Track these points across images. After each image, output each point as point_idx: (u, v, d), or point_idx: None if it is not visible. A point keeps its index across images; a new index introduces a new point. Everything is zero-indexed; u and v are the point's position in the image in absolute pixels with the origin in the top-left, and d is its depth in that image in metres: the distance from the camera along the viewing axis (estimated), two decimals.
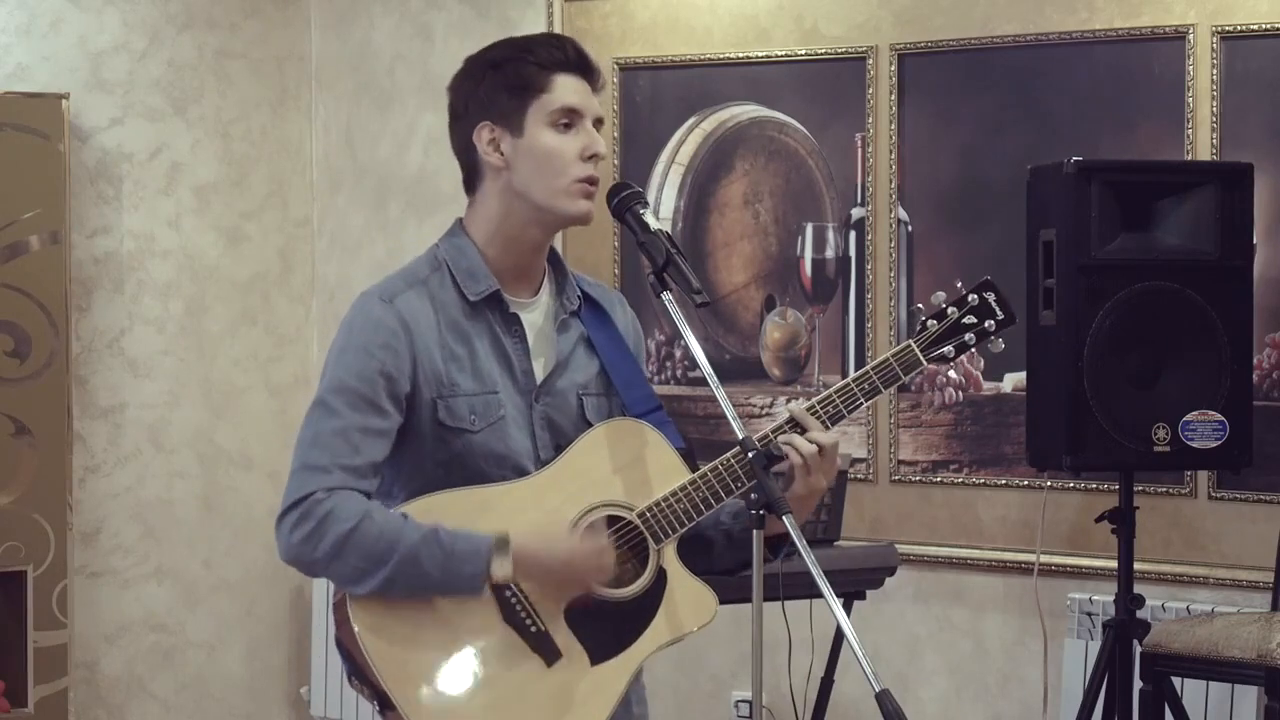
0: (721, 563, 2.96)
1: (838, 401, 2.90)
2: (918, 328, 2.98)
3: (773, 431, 2.87)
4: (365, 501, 2.77)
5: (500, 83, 2.86)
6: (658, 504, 2.84)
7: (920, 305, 3.04)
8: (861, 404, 2.91)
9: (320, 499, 2.75)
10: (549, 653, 2.78)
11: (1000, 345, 3.02)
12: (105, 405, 5.90)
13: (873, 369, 2.93)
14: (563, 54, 2.88)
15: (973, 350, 3.00)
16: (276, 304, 6.28)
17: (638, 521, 2.84)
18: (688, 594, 2.85)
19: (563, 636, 2.79)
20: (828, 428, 2.88)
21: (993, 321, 2.98)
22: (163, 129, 6.00)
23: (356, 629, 2.74)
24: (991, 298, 2.98)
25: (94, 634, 5.87)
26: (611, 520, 2.85)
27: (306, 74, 6.35)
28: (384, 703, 2.76)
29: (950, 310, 2.97)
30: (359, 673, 2.77)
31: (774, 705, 5.16)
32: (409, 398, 2.82)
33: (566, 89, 2.86)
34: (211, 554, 6.12)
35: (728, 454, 2.86)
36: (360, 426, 2.78)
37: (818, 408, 2.89)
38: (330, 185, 6.35)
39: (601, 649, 2.81)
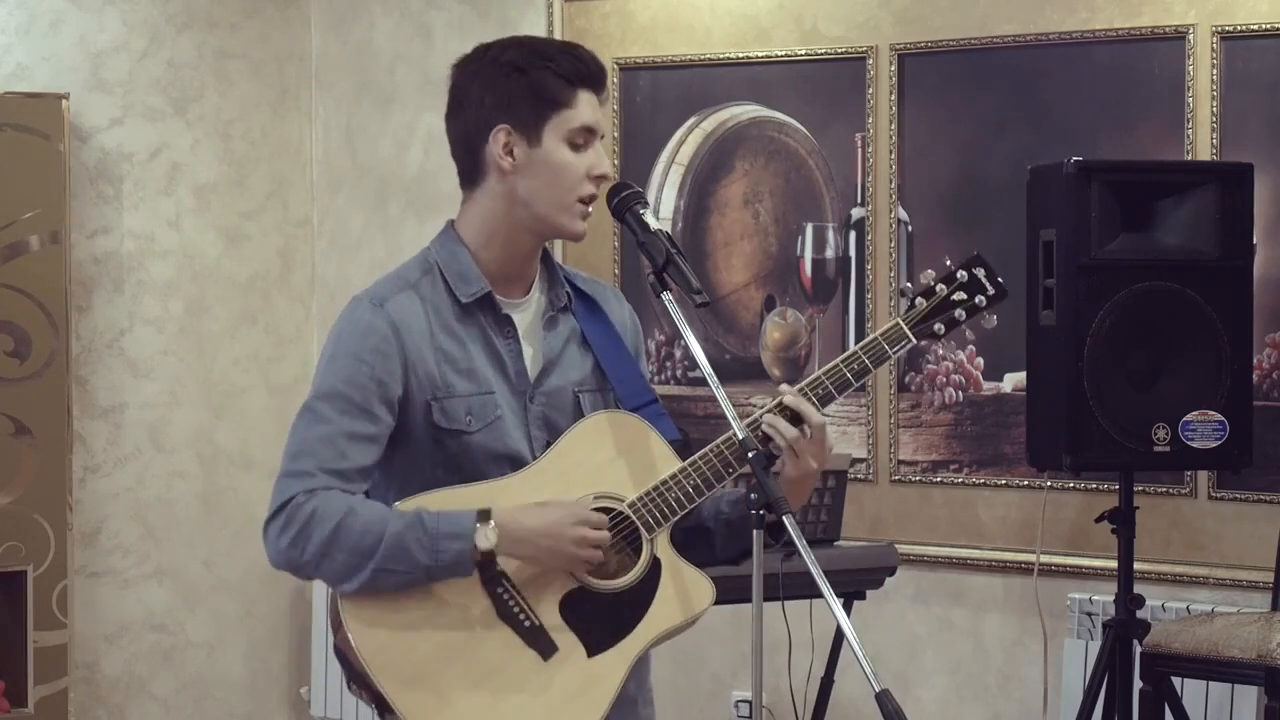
0: (725, 553, 2.95)
1: (827, 383, 2.89)
2: (905, 306, 2.96)
3: (760, 415, 2.86)
4: (348, 498, 2.76)
5: (524, 89, 2.84)
6: (648, 493, 2.84)
7: (909, 284, 3.00)
8: (852, 384, 2.90)
9: (301, 502, 2.75)
10: (545, 647, 2.78)
11: (993, 320, 2.99)
12: (105, 405, 5.90)
13: (861, 348, 2.92)
14: (585, 68, 2.87)
15: (964, 326, 2.97)
16: (276, 304, 6.28)
17: (629, 512, 2.84)
18: (683, 582, 2.84)
19: (558, 630, 2.79)
20: (818, 409, 2.87)
21: (984, 297, 2.96)
22: (163, 129, 6.00)
23: (350, 632, 2.74)
24: (981, 273, 2.96)
25: (94, 634, 5.87)
26: (602, 512, 2.84)
27: (306, 74, 6.35)
28: (382, 706, 2.75)
29: (939, 287, 2.95)
30: (357, 678, 2.77)
31: (774, 705, 5.16)
32: (401, 401, 2.82)
33: (587, 106, 2.86)
34: (211, 554, 6.12)
35: (717, 441, 2.86)
36: (348, 432, 2.78)
37: (808, 390, 2.88)
38: (330, 185, 6.35)
39: (598, 641, 2.80)
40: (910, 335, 2.93)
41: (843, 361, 2.90)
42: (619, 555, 2.84)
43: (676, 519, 2.85)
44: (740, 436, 2.78)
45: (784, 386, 2.88)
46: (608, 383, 2.95)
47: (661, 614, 2.83)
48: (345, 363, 2.82)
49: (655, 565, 2.84)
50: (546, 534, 2.77)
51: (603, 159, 2.88)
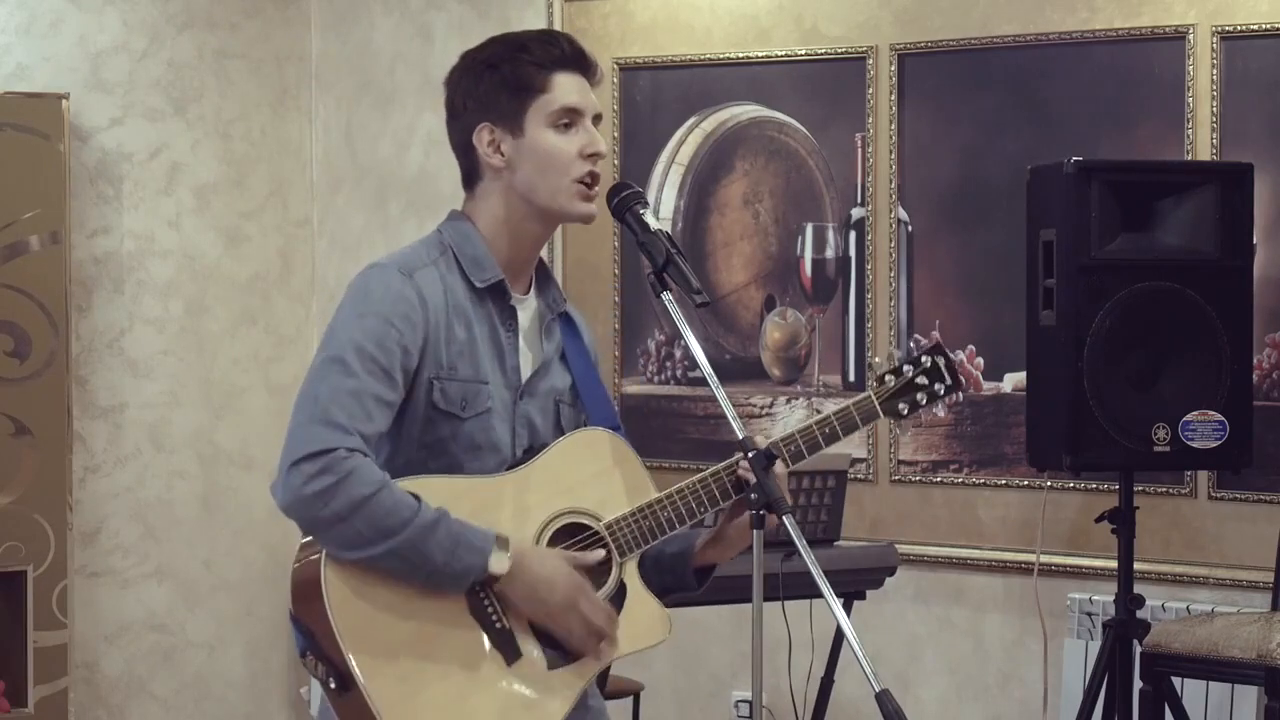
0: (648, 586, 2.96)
1: (799, 442, 2.95)
2: (874, 381, 3.06)
3: (735, 460, 2.89)
4: (383, 473, 2.73)
5: (499, 83, 2.86)
6: (625, 518, 2.87)
7: (876, 359, 3.14)
8: (822, 447, 2.97)
9: (344, 456, 2.69)
10: (510, 652, 2.79)
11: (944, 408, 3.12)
12: (105, 405, 5.90)
13: (835, 415, 2.99)
14: (560, 51, 2.88)
15: (923, 411, 3.10)
16: (276, 304, 6.28)
17: (605, 533, 2.86)
18: (644, 611, 2.88)
19: (525, 637, 2.80)
20: (787, 464, 2.91)
21: (942, 385, 3.08)
22: (163, 129, 6.00)
23: (330, 605, 2.73)
24: (942, 363, 3.08)
25: (94, 634, 5.87)
26: (579, 528, 2.87)
27: (306, 74, 6.35)
28: (343, 682, 2.73)
29: (906, 369, 3.05)
30: (318, 649, 2.75)
31: (774, 705, 5.16)
32: (414, 374, 2.81)
33: (565, 88, 2.86)
34: (211, 554, 6.12)
35: (693, 479, 2.90)
36: (374, 393, 2.75)
37: (780, 446, 2.92)
38: (330, 185, 6.35)
39: (558, 656, 2.82)
40: (879, 410, 3.03)
41: (816, 424, 2.96)
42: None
43: (647, 548, 2.88)
44: (740, 436, 2.80)
45: (760, 438, 2.89)
46: (580, 400, 2.97)
47: (619, 641, 2.85)
48: (375, 323, 2.78)
49: (621, 590, 2.87)
50: (545, 590, 2.78)
51: (595, 137, 2.87)
